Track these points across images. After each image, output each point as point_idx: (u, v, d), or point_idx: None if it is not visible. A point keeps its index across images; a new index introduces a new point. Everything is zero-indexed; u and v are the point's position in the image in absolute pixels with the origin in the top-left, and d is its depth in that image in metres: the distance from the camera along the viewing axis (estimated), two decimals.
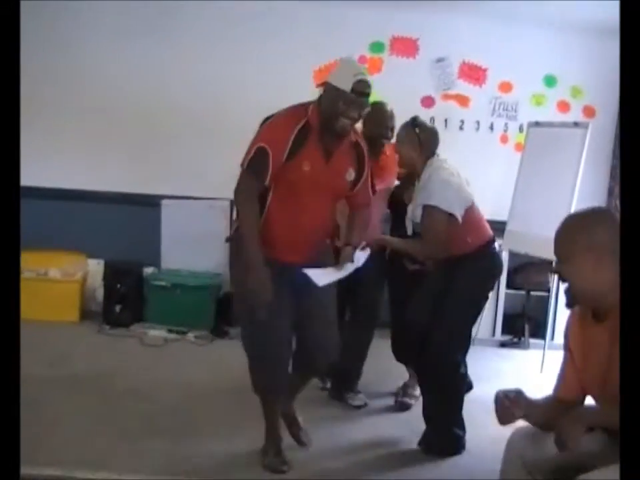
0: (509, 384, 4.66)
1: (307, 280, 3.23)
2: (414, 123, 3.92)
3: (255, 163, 3.14)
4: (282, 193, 3.24)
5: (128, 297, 6.01)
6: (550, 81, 6.63)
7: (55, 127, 6.24)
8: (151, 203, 6.27)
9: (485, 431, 3.97)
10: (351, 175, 3.35)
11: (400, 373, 4.70)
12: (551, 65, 6.59)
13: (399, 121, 4.14)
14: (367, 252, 3.42)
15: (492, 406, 2.36)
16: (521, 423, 2.45)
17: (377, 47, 6.47)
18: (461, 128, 6.58)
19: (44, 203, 6.20)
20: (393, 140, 4.22)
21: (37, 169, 6.07)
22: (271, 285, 3.15)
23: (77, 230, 6.26)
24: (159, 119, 6.37)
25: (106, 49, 6.33)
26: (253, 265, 3.15)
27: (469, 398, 4.17)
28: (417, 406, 4.26)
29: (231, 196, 3.24)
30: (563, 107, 6.65)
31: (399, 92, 5.71)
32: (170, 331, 5.82)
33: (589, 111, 6.63)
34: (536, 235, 5.57)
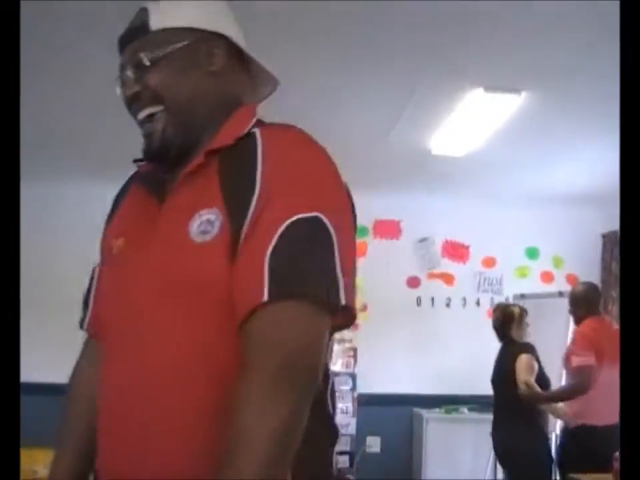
0: None
1: None
2: None
3: (84, 305, 1.64)
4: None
5: None
6: (532, 252, 6.81)
7: (42, 319, 6.25)
8: None
9: None
10: (209, 224, 1.20)
11: None
12: (532, 237, 6.82)
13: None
14: None
15: None
16: None
17: (360, 231, 6.61)
18: (447, 305, 6.67)
19: (31, 399, 6.11)
20: None
21: (25, 364, 6.01)
22: None
23: None
24: None
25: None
26: None
27: None
28: None
29: None
30: (546, 277, 6.79)
31: (384, 273, 5.84)
32: None
33: (572, 279, 6.75)
34: None
